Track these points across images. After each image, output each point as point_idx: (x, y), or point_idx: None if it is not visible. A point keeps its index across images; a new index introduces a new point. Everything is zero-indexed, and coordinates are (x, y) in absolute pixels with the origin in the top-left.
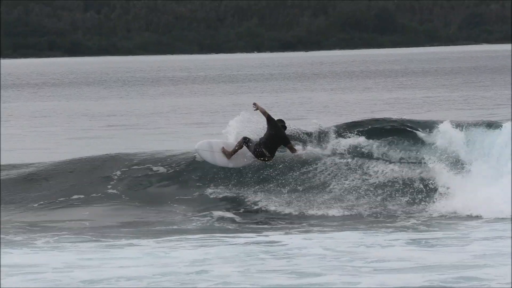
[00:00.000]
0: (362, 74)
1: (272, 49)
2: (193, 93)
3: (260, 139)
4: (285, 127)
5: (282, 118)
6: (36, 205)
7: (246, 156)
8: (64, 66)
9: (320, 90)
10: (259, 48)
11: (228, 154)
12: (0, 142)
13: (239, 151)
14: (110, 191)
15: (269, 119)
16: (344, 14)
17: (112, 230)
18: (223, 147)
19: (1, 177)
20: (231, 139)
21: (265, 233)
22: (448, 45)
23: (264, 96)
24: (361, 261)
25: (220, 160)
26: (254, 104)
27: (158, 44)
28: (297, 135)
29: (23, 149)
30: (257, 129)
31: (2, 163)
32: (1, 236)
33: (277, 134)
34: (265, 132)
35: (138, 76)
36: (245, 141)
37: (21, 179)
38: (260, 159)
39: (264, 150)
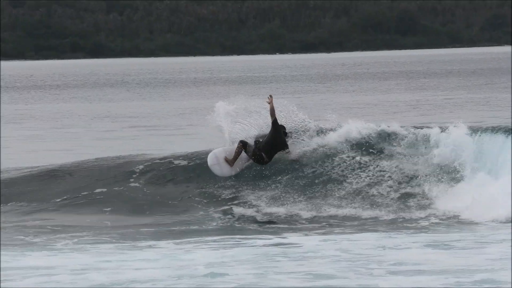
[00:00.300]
0: (384, 75)
1: (294, 50)
2: (214, 94)
3: (257, 142)
4: (285, 134)
5: (284, 124)
6: (59, 204)
7: (242, 158)
8: (86, 68)
9: (342, 91)
10: (281, 50)
11: (231, 161)
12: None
13: (238, 151)
14: (132, 189)
15: (275, 123)
16: (366, 15)
17: (133, 230)
18: (225, 157)
19: (23, 177)
20: (223, 125)
21: (283, 234)
22: (470, 46)
23: (286, 97)
24: (377, 264)
25: (227, 170)
26: (270, 96)
27: (180, 46)
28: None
29: (45, 150)
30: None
31: (22, 165)
32: (21, 237)
33: (279, 141)
34: (265, 136)
35: (160, 77)
36: (243, 145)
37: (43, 179)
38: (258, 163)
39: (263, 155)
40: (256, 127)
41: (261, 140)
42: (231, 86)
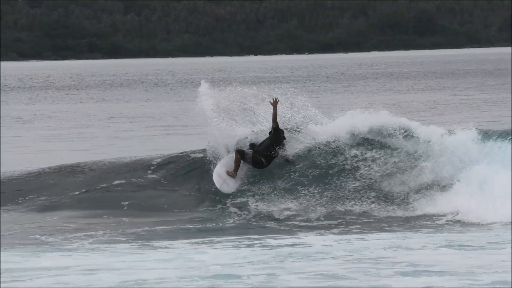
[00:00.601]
0: (402, 75)
1: (311, 50)
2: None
3: (253, 145)
4: (284, 138)
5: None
6: (75, 201)
7: (241, 167)
8: (104, 68)
9: (360, 91)
10: (299, 50)
11: (233, 174)
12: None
13: (237, 162)
14: (149, 187)
15: (277, 128)
16: (384, 15)
17: (149, 228)
18: (227, 171)
19: (39, 175)
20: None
21: (298, 233)
22: (488, 46)
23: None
24: (390, 264)
25: (233, 184)
26: (276, 100)
27: (197, 46)
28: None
29: (62, 150)
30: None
31: (38, 164)
32: (36, 236)
33: (279, 146)
34: (264, 140)
35: (177, 78)
36: (241, 155)
37: (60, 177)
38: (257, 168)
39: (262, 160)
40: (244, 125)
41: (255, 143)
42: (247, 86)
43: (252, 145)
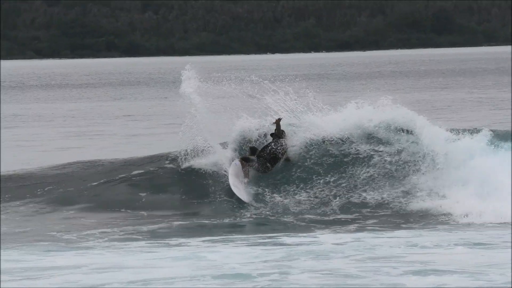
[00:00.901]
0: (419, 73)
1: (329, 49)
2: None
3: (255, 151)
4: (282, 136)
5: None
6: (93, 196)
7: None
8: (121, 67)
9: (377, 89)
10: (316, 48)
11: (247, 179)
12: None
13: (245, 169)
14: (166, 181)
15: (280, 137)
16: (402, 14)
17: (166, 225)
18: (241, 179)
19: (61, 171)
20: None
21: (313, 231)
22: (506, 45)
23: (320, 95)
24: (405, 263)
25: (247, 191)
26: (279, 120)
27: (215, 44)
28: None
29: (80, 147)
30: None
31: (55, 162)
32: (52, 233)
33: (283, 150)
34: (267, 145)
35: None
36: (248, 162)
37: (76, 173)
38: (261, 173)
39: (268, 165)
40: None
41: (256, 147)
42: (263, 84)
43: (253, 150)
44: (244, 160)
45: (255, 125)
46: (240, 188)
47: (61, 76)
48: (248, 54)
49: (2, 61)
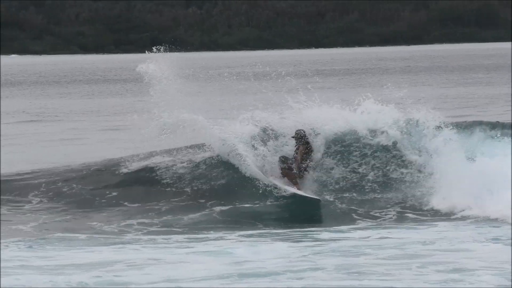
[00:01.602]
0: (464, 68)
1: (372, 43)
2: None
3: (287, 160)
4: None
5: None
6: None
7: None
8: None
9: (424, 84)
10: (359, 43)
11: (298, 185)
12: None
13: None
14: (208, 170)
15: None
16: (445, 8)
17: (205, 218)
18: (294, 188)
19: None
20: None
21: (349, 225)
22: None
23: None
24: (427, 259)
25: (308, 192)
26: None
27: (258, 40)
28: None
29: (124, 141)
30: None
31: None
32: (93, 223)
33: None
34: (296, 155)
35: (234, 72)
36: (291, 169)
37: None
38: (300, 174)
39: (305, 174)
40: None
41: (286, 156)
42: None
43: (285, 159)
44: (290, 168)
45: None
46: (300, 191)
47: (105, 71)
48: (291, 49)
49: (47, 56)
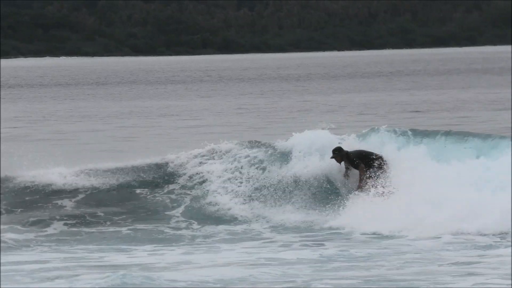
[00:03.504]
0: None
1: (424, 45)
2: (336, 89)
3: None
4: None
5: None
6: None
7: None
8: (216, 63)
9: (481, 87)
10: (411, 44)
11: (363, 188)
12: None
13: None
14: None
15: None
16: (499, 9)
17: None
18: (358, 190)
19: (129, 169)
20: None
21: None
22: None
23: (418, 94)
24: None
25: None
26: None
27: (309, 41)
28: None
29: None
30: None
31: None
32: (113, 232)
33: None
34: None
35: (284, 73)
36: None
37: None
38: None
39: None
40: None
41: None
42: (357, 80)
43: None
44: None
45: None
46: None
47: (158, 72)
48: (342, 50)
49: (102, 57)
